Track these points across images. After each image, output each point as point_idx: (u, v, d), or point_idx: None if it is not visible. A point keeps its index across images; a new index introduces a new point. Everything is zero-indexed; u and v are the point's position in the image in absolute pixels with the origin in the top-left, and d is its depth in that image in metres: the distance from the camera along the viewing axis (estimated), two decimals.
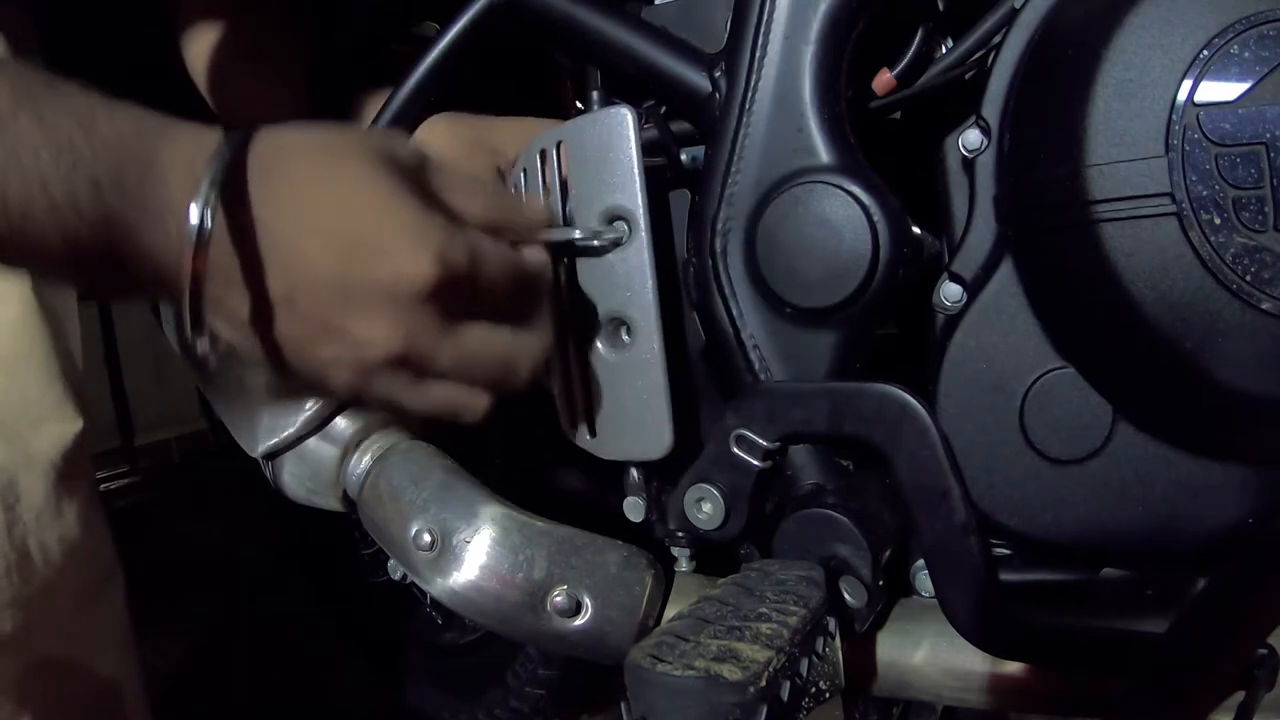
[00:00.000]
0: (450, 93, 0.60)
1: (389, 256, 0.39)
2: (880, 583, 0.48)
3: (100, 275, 0.37)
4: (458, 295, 0.40)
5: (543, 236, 0.47)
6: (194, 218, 0.35)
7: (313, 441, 0.57)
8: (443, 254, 0.39)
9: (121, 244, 0.36)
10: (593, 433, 0.54)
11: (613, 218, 0.50)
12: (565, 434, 0.57)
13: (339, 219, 0.39)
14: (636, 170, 0.49)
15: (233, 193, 0.37)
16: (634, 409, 0.52)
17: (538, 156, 0.53)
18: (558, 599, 0.48)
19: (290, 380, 0.42)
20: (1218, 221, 0.39)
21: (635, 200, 0.49)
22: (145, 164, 0.36)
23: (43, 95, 0.34)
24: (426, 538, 0.50)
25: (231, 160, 0.37)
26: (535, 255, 0.46)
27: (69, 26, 0.71)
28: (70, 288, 0.39)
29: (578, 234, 0.50)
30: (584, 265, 0.52)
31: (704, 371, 0.57)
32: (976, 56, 0.50)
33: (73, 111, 0.34)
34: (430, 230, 0.39)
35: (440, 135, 0.61)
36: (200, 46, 0.65)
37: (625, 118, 0.49)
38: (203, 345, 0.39)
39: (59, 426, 0.62)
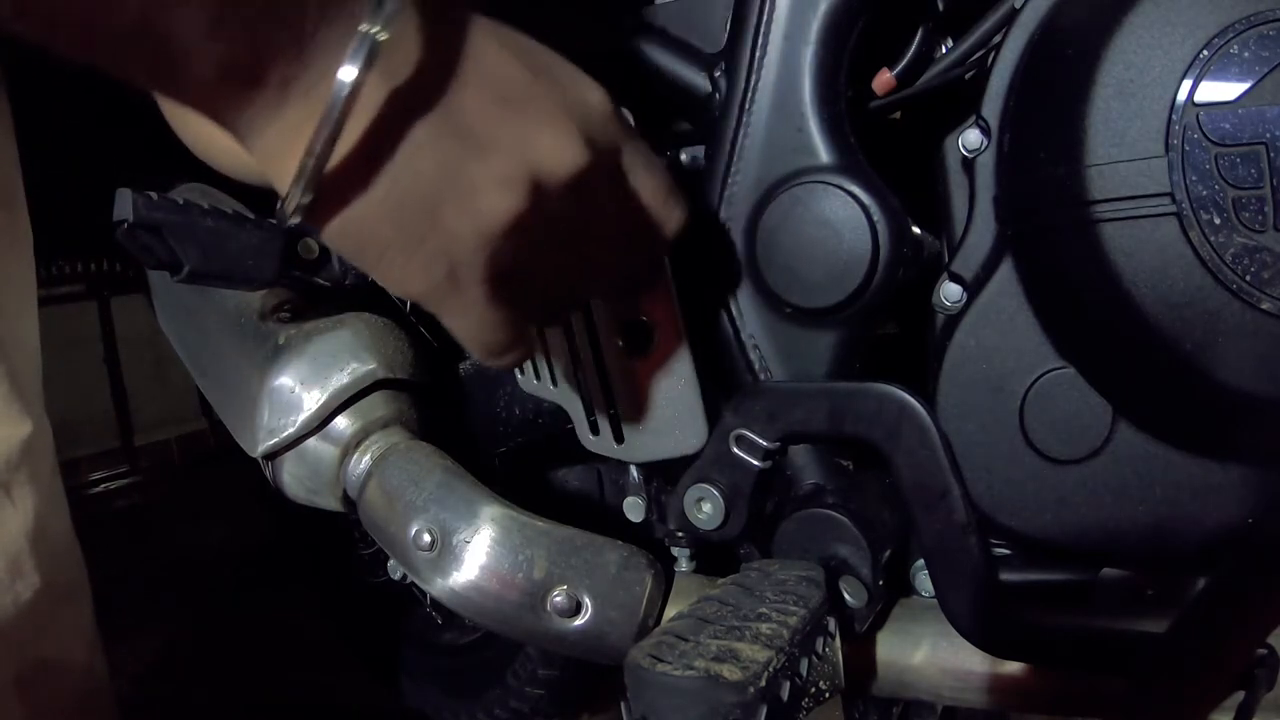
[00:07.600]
0: None
1: (583, 83, 0.39)
2: (880, 583, 0.48)
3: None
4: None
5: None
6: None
7: (312, 441, 0.56)
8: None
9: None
10: (619, 439, 0.54)
11: None
12: (586, 444, 0.56)
13: (528, 45, 0.38)
14: None
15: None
16: (665, 408, 0.52)
17: None
18: (558, 599, 0.48)
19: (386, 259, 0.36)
20: (1218, 221, 0.39)
21: None
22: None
23: None
24: (426, 538, 0.50)
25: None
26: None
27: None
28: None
29: None
30: None
31: (704, 371, 0.57)
32: (976, 56, 0.50)
33: None
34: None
35: None
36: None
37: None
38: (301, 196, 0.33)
39: (2, 430, 0.59)
